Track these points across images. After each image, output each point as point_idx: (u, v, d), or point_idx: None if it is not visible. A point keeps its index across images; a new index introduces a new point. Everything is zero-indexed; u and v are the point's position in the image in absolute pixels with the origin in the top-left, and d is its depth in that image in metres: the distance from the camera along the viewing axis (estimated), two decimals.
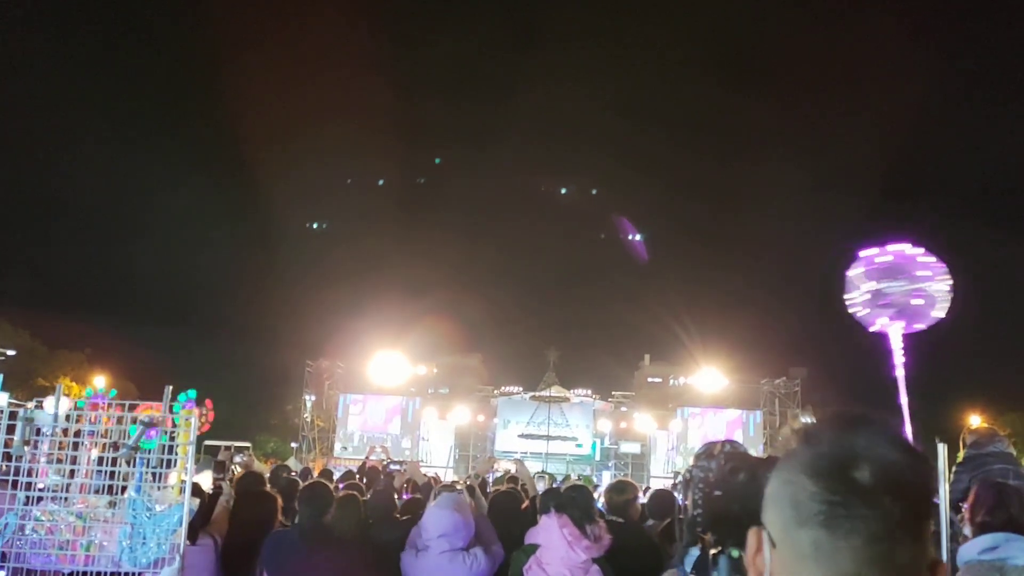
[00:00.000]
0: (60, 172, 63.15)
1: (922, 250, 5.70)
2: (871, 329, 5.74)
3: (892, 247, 5.72)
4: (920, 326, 5.71)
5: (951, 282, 5.62)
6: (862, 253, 5.74)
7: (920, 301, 5.57)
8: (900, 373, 5.59)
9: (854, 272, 5.76)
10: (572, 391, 44.26)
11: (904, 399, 5.37)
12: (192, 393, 5.25)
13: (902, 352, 5.67)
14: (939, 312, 5.65)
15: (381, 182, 67.03)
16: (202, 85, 70.33)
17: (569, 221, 71.55)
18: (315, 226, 63.95)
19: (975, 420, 37.99)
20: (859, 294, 5.78)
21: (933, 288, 5.61)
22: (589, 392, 45.26)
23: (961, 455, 5.68)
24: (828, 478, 1.01)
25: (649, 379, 51.04)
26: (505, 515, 5.94)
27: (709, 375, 39.95)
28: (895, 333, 5.69)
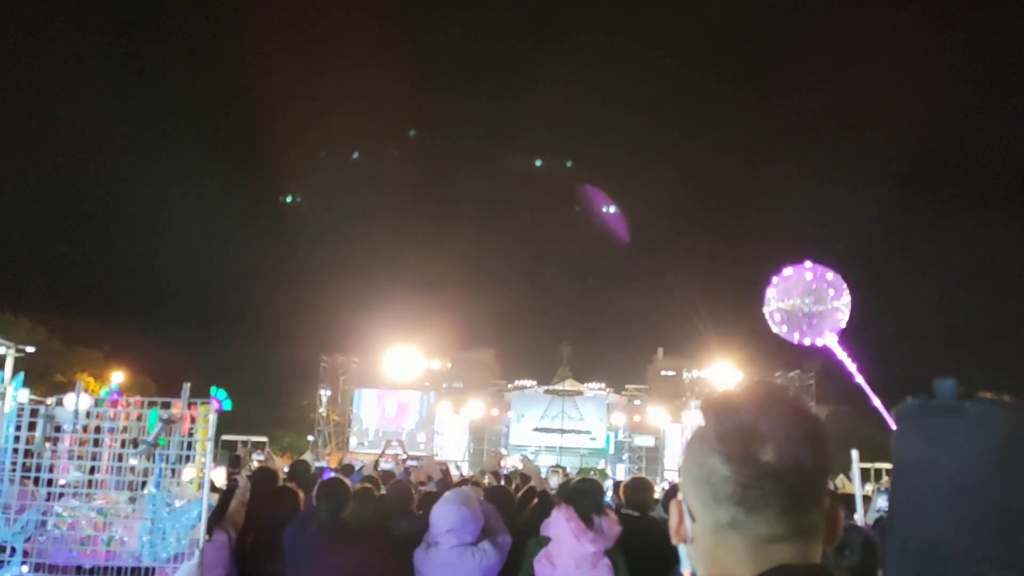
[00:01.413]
0: (76, 170, 63.62)
1: (810, 266, 5.91)
2: (814, 343, 5.91)
3: (792, 268, 5.90)
4: (836, 329, 5.86)
5: (848, 297, 5.83)
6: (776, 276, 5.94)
7: (831, 310, 5.73)
8: (860, 379, 5.72)
9: (768, 293, 5.94)
10: (586, 384, 44.25)
11: (877, 401, 5.44)
12: (221, 393, 5.29)
13: (850, 359, 5.82)
14: (838, 325, 5.82)
15: (395, 177, 67.15)
16: (220, 82, 70.57)
17: (581, 216, 71.44)
18: (330, 222, 64.13)
19: None
20: (768, 313, 5.98)
21: (832, 302, 5.78)
22: (603, 385, 45.23)
23: None
24: (739, 463, 1.12)
25: (663, 372, 50.94)
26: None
27: (723, 368, 39.83)
28: (833, 344, 5.84)
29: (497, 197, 73.71)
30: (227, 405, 5.29)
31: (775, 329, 5.92)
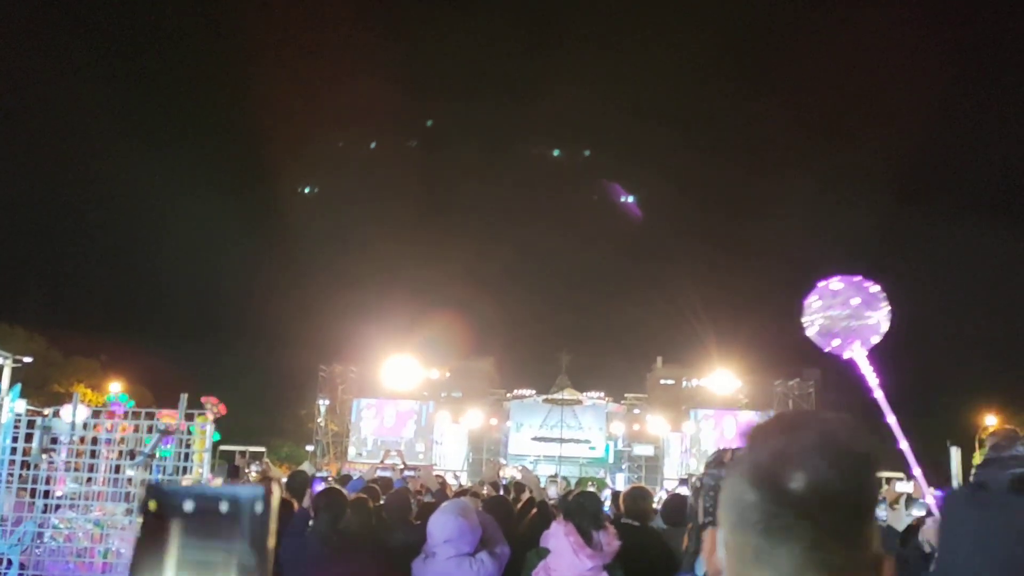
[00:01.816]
0: (75, 180, 63.66)
1: (858, 279, 5.98)
2: (844, 355, 5.95)
3: (836, 279, 5.99)
4: (875, 340, 5.91)
5: (889, 311, 5.89)
6: (820, 283, 6.01)
7: (869, 321, 5.81)
8: (879, 395, 5.74)
9: (810, 301, 6.02)
10: (585, 393, 44.20)
11: (892, 418, 5.45)
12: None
13: (874, 375, 5.84)
14: (875, 338, 5.88)
15: (395, 186, 67.19)
16: (219, 93, 70.72)
17: (581, 223, 71.50)
18: (328, 231, 64.15)
19: (991, 421, 37.75)
20: (808, 322, 6.04)
21: (871, 315, 5.85)
22: (602, 394, 45.19)
23: (978, 456, 5.69)
24: (765, 489, 1.06)
25: (662, 381, 50.92)
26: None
27: (722, 377, 39.78)
28: (861, 358, 5.86)
29: (496, 206, 73.86)
30: (216, 436, 5.28)
31: (812, 337, 5.94)
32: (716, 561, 1.15)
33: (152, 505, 0.70)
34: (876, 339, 5.82)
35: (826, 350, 5.86)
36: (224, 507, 0.71)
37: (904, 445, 5.24)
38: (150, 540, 0.69)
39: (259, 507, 0.73)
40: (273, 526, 0.74)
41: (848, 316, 5.76)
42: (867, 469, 1.09)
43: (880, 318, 5.83)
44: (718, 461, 1.96)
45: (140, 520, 0.70)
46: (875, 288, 5.81)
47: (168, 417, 5.03)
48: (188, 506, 0.70)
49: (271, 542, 0.72)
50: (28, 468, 4.90)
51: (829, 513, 1.04)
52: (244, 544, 0.71)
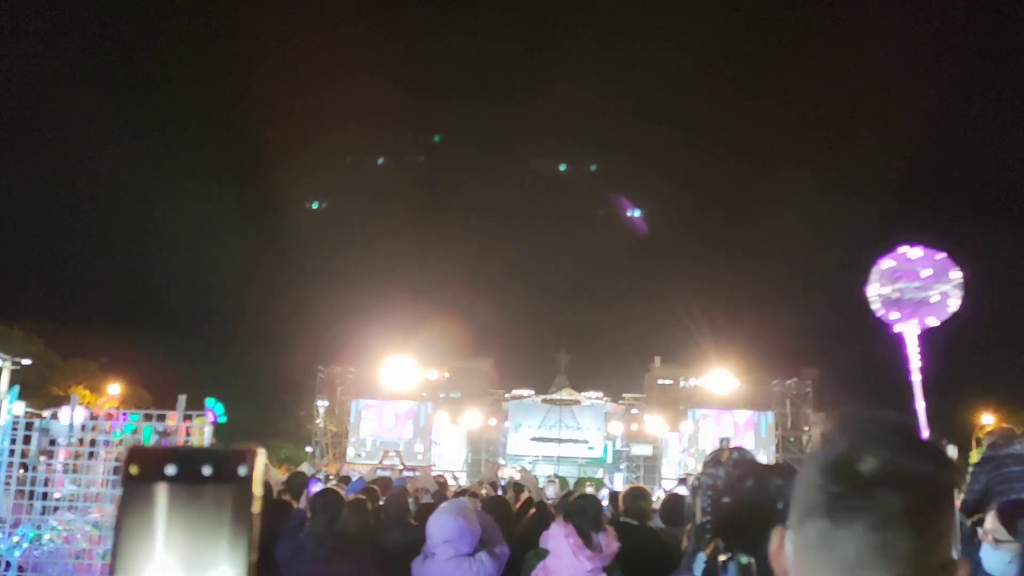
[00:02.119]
0: (73, 181, 63.62)
1: (922, 251, 5.75)
2: (895, 328, 5.76)
3: (900, 250, 5.74)
4: (934, 322, 5.71)
5: (960, 275, 5.66)
6: (882, 260, 5.79)
7: (933, 297, 5.58)
8: (916, 378, 5.59)
9: (872, 276, 5.80)
10: (583, 394, 44.22)
11: (920, 404, 5.35)
12: (218, 407, 5.27)
13: (919, 356, 5.66)
14: (953, 306, 5.66)
15: (393, 187, 67.18)
16: (217, 93, 70.69)
17: (580, 224, 71.52)
18: (327, 232, 64.13)
19: (988, 419, 37.76)
20: (873, 296, 5.82)
21: (942, 286, 5.63)
22: (600, 395, 45.21)
23: (975, 455, 5.67)
24: (832, 471, 1.04)
25: (660, 381, 50.92)
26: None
27: (720, 376, 39.80)
28: (911, 335, 5.69)
29: (495, 207, 73.88)
30: (222, 419, 5.27)
31: (872, 300, 5.75)
32: (782, 560, 1.12)
33: (134, 469, 0.67)
34: (934, 321, 5.63)
35: (879, 316, 5.67)
36: (207, 471, 0.68)
37: (925, 432, 5.19)
38: (132, 506, 0.67)
39: (242, 471, 0.69)
40: (259, 491, 0.69)
41: (915, 288, 5.56)
42: (940, 460, 1.06)
43: (948, 302, 5.61)
44: (716, 460, 1.96)
45: (121, 484, 0.67)
46: (956, 273, 5.62)
47: (168, 419, 5.04)
48: (170, 470, 0.68)
49: (256, 507, 0.68)
50: (26, 470, 4.89)
51: (896, 494, 1.01)
52: (228, 510, 0.68)
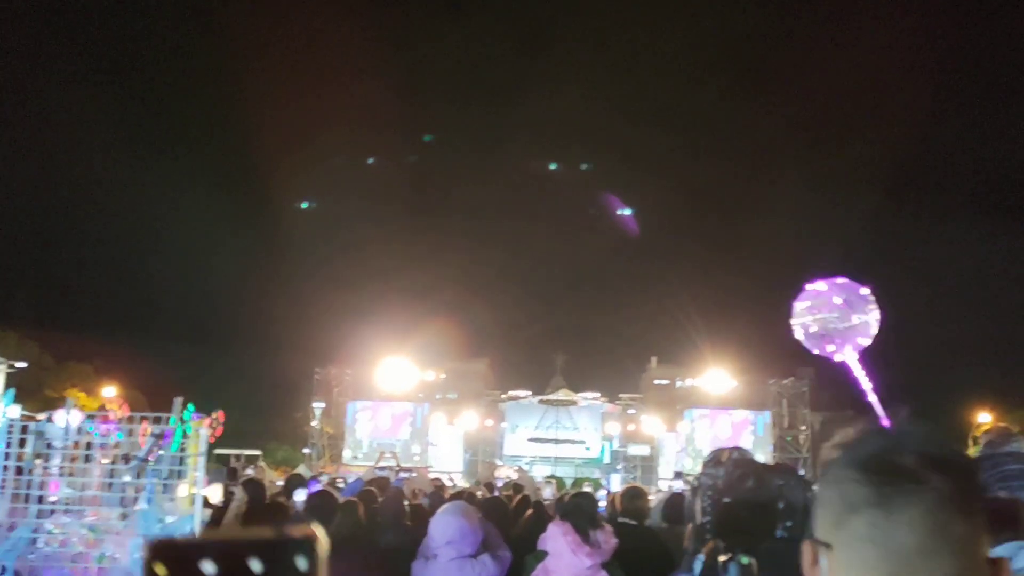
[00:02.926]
0: (67, 184, 63.45)
1: (825, 284, 6.00)
2: (835, 359, 5.97)
3: (807, 288, 5.98)
4: (865, 342, 5.91)
5: (868, 290, 5.89)
6: (807, 286, 6.01)
7: (855, 321, 5.80)
8: (872, 397, 5.75)
9: (792, 320, 6.02)
10: (580, 394, 44.22)
11: (885, 419, 5.45)
12: (191, 407, 5.25)
13: (866, 375, 5.85)
14: (874, 322, 5.87)
15: (387, 188, 67.16)
16: (210, 97, 70.57)
17: (575, 225, 71.56)
18: (322, 234, 64.08)
19: (985, 418, 37.86)
20: (802, 337, 6.04)
21: (857, 312, 5.84)
22: (597, 395, 45.21)
23: (972, 454, 5.70)
24: (874, 467, 1.02)
25: (656, 381, 50.93)
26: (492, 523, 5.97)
27: (716, 376, 39.87)
28: (852, 361, 5.86)
29: (490, 207, 73.79)
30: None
31: (802, 339, 5.96)
32: (816, 574, 1.07)
33: (160, 570, 0.53)
34: (865, 341, 5.82)
35: (815, 352, 5.87)
36: (257, 567, 0.53)
37: None
38: None
39: (302, 564, 0.54)
40: None
41: (836, 318, 5.77)
42: (970, 459, 1.08)
43: (869, 320, 5.84)
44: (715, 461, 1.96)
45: None
46: (864, 290, 5.82)
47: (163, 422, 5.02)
48: (208, 569, 0.52)
49: None
50: (21, 473, 4.87)
51: (948, 478, 1.00)
52: None
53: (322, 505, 5.38)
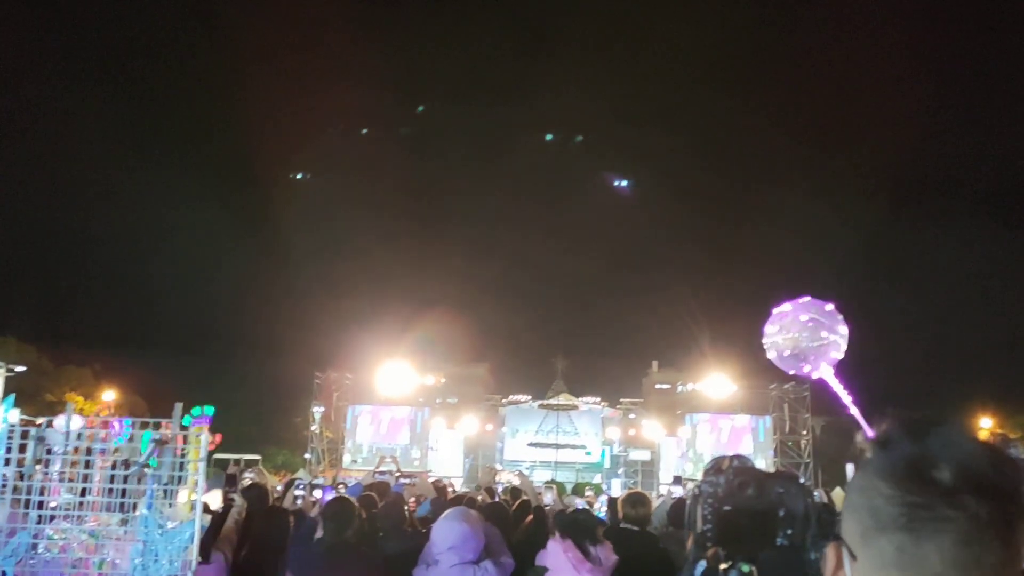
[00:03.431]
0: (66, 190, 63.51)
1: (790, 304, 6.05)
2: (813, 376, 6.02)
3: (774, 311, 6.03)
4: (838, 356, 5.95)
5: (832, 306, 5.94)
6: (774, 309, 6.07)
7: (827, 339, 5.85)
8: (855, 410, 5.78)
9: (765, 345, 6.07)
10: (580, 399, 44.20)
11: (868, 430, 5.50)
12: (209, 410, 5.25)
13: (845, 391, 5.88)
14: (843, 336, 5.92)
15: (389, 193, 67.21)
16: (210, 103, 70.70)
17: (575, 231, 71.60)
18: (322, 239, 64.08)
19: (985, 423, 37.83)
20: (777, 359, 6.08)
21: (825, 331, 5.89)
22: (597, 400, 45.19)
23: None
24: (906, 480, 0.96)
25: (657, 386, 50.90)
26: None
27: (717, 381, 39.85)
28: (830, 377, 5.90)
29: (491, 212, 73.84)
30: (210, 410, 5.25)
31: (775, 361, 6.00)
32: None
33: None
34: (838, 356, 5.84)
35: (792, 372, 5.91)
36: None
37: None
38: None
39: None
40: None
41: (806, 337, 5.79)
42: (1014, 462, 0.99)
43: (838, 337, 5.86)
44: (716, 468, 1.96)
45: None
46: (829, 306, 5.85)
47: (163, 427, 5.01)
48: None
49: None
50: (22, 479, 4.86)
51: (984, 502, 0.93)
52: None
53: (341, 512, 5.34)
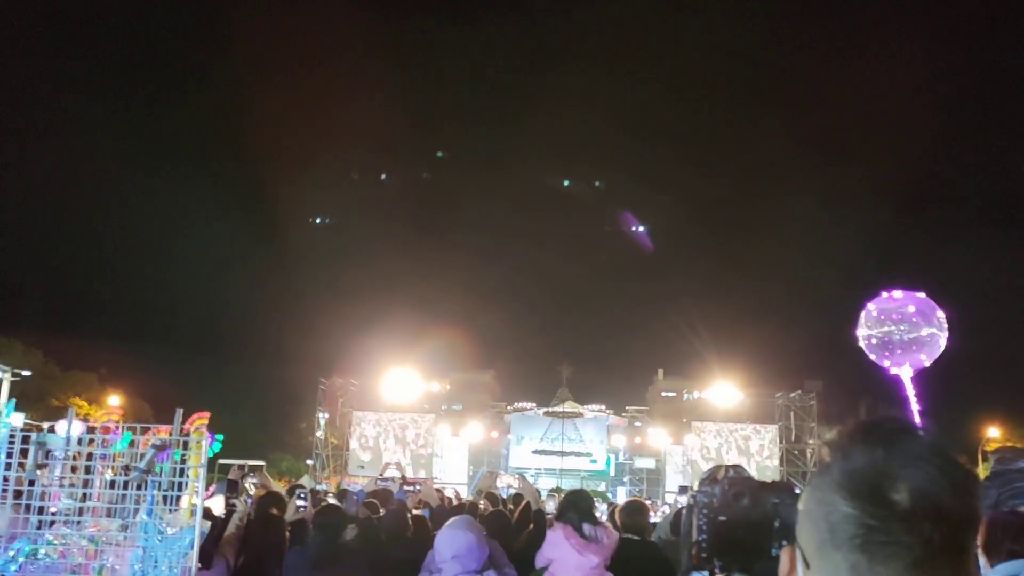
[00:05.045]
0: (74, 195, 63.76)
1: (923, 296, 5.89)
2: (891, 371, 5.85)
3: (883, 294, 5.90)
4: (926, 361, 5.83)
5: (943, 314, 5.81)
6: (870, 303, 5.93)
7: (923, 334, 5.71)
8: (917, 420, 5.71)
9: (860, 320, 5.93)
10: (586, 406, 44.10)
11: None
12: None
13: (916, 397, 5.74)
14: (942, 343, 5.79)
15: (395, 203, 67.30)
16: (222, 113, 71.02)
17: (582, 239, 71.58)
18: (329, 247, 64.19)
19: (994, 432, 37.62)
20: (863, 340, 5.95)
21: (929, 326, 5.76)
22: (603, 407, 45.09)
23: (983, 469, 5.68)
24: (864, 499, 0.96)
25: (663, 393, 50.83)
26: (493, 536, 5.93)
27: (723, 389, 39.72)
28: (906, 378, 5.78)
29: (498, 222, 73.94)
30: (217, 446, 5.26)
31: (862, 346, 5.86)
32: None
33: None
34: (927, 359, 5.68)
35: (872, 358, 5.75)
36: None
37: None
38: None
39: None
40: None
41: (904, 330, 5.63)
42: (975, 484, 0.99)
43: (939, 336, 5.68)
44: (712, 478, 1.94)
45: None
46: (941, 313, 5.69)
47: (164, 432, 5.01)
48: None
49: None
50: (22, 484, 4.86)
51: (939, 528, 0.94)
52: None
53: (329, 521, 5.37)
